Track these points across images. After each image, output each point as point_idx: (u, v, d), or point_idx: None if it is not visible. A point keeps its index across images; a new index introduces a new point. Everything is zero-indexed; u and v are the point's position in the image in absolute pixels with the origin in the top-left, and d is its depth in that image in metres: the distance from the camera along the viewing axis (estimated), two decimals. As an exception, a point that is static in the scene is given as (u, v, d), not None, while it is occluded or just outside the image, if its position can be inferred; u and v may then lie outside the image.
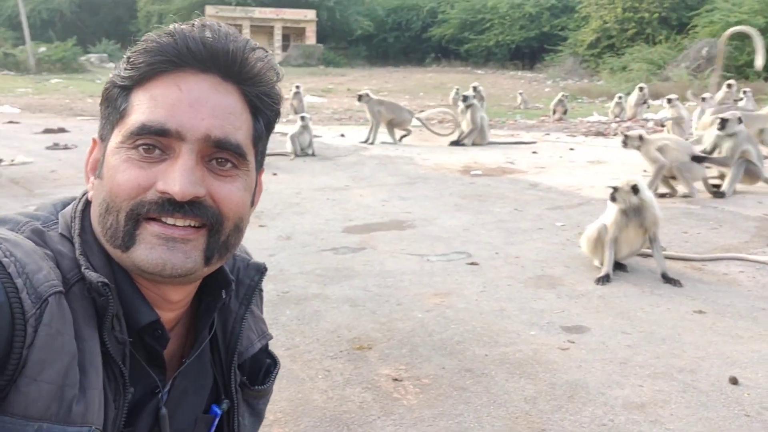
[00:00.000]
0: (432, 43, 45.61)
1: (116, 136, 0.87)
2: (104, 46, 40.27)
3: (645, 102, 14.97)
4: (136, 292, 0.90)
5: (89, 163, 0.95)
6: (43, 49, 34.25)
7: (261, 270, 1.11)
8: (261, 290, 1.22)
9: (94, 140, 0.95)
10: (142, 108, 0.85)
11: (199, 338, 1.00)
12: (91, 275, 0.84)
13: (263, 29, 46.50)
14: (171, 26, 0.88)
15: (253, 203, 0.98)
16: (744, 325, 3.45)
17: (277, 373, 1.17)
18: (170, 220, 0.84)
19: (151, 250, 0.84)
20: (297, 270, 4.33)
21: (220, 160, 0.87)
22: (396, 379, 2.91)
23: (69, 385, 0.78)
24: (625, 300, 3.84)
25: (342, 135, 12.33)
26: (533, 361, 3.08)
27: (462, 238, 5.17)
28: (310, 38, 46.56)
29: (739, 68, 28.76)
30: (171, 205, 0.83)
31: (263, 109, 0.93)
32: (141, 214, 0.84)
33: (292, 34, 47.34)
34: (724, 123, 6.55)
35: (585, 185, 7.28)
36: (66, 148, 9.73)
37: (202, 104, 0.85)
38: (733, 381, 2.83)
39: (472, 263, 4.51)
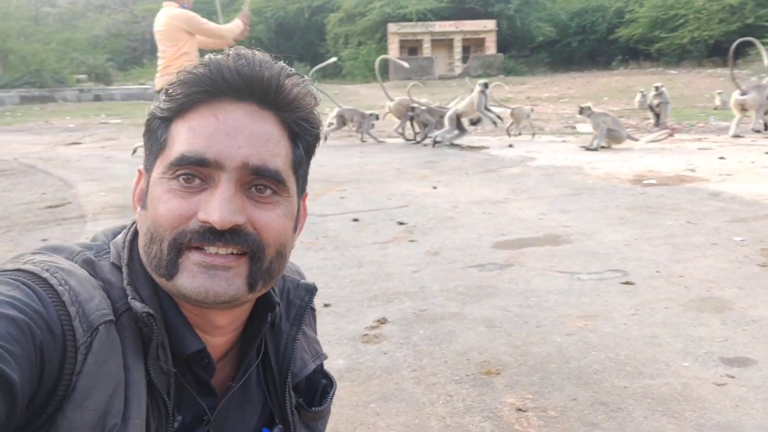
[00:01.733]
0: (619, 45, 43.45)
1: (158, 167, 0.90)
2: (296, 67, 43.16)
3: None
4: (183, 321, 0.92)
5: (135, 193, 0.97)
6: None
7: (311, 290, 1.11)
8: (313, 310, 1.22)
9: (139, 171, 0.97)
10: (182, 139, 0.87)
11: (245, 362, 1.01)
12: (137, 305, 0.86)
13: (443, 42, 47.22)
14: (206, 57, 0.91)
15: (296, 229, 0.98)
16: None
17: (334, 394, 1.16)
18: (212, 249, 0.86)
19: (193, 278, 0.86)
20: (438, 287, 4.27)
21: (259, 187, 0.89)
22: (520, 410, 2.73)
23: (112, 413, 0.80)
24: (806, 330, 3.32)
25: (510, 146, 12.06)
26: (681, 397, 2.74)
27: (621, 254, 4.78)
28: (490, 48, 46.40)
29: None
30: (212, 234, 0.85)
31: (302, 135, 0.94)
32: (183, 243, 0.86)
33: (471, 46, 47.52)
34: None
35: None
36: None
37: (239, 133, 0.87)
38: None
39: (626, 282, 4.16)
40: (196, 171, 0.86)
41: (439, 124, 12.58)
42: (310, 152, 0.98)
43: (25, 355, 0.72)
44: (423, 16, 45.84)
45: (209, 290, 0.86)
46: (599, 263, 4.61)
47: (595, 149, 10.81)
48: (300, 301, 1.09)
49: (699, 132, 12.89)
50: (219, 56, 0.90)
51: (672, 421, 2.56)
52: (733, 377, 2.88)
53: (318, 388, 1.14)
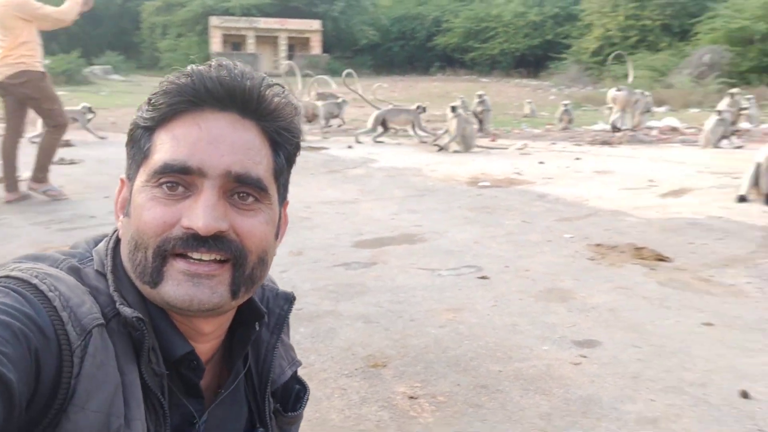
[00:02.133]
0: (437, 52, 45.84)
1: (141, 175, 0.91)
2: (108, 57, 40.57)
3: (649, 110, 15.02)
4: (170, 326, 0.93)
5: (118, 202, 0.99)
6: (47, 61, 34.55)
7: (290, 299, 1.15)
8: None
9: (121, 180, 0.99)
10: (165, 147, 0.89)
11: (234, 369, 1.05)
12: (126, 311, 0.87)
13: (268, 39, 46.81)
14: (189, 67, 0.93)
15: (278, 236, 1.01)
16: (753, 338, 3.50)
17: (307, 399, 1.20)
18: (195, 255, 0.88)
19: (177, 286, 0.88)
20: (309, 286, 4.39)
21: (241, 194, 0.91)
22: (412, 397, 2.96)
23: (115, 414, 0.82)
24: (634, 313, 3.89)
25: (349, 147, 12.41)
26: (547, 376, 3.13)
27: (472, 251, 5.22)
28: (315, 48, 46.83)
29: (741, 74, 28.81)
30: (195, 240, 0.87)
31: (283, 144, 0.97)
32: (167, 250, 0.88)
33: (297, 44, 47.63)
34: None
35: (592, 196, 7.33)
36: (72, 162, 9.81)
37: (222, 141, 0.89)
38: (744, 395, 2.88)
39: (482, 277, 4.57)
40: (179, 179, 0.88)
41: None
42: (290, 161, 1.01)
43: (18, 358, 0.72)
44: (247, 12, 45.20)
45: (193, 298, 0.88)
46: (454, 260, 5.00)
47: (443, 148, 11.42)
48: (279, 309, 1.12)
49: (516, 137, 14.11)
50: (201, 66, 0.92)
51: (543, 397, 2.93)
52: (585, 357, 3.33)
53: (292, 394, 1.18)
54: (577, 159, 10.37)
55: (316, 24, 46.20)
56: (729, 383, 3.00)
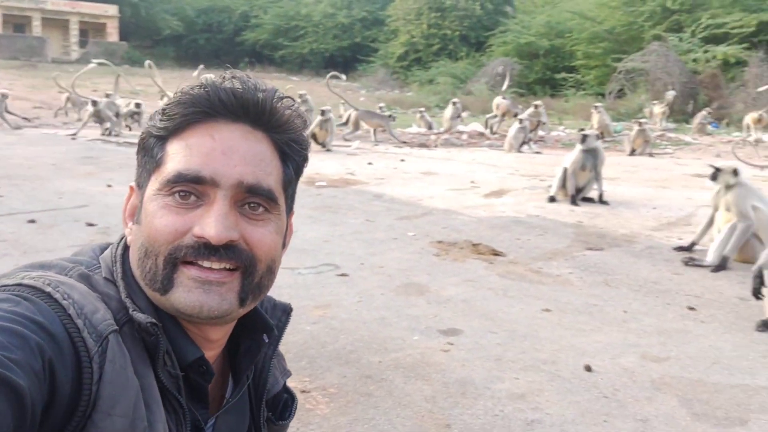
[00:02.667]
0: (246, 48, 45.07)
1: (153, 184, 0.92)
2: None
3: (459, 116, 16.20)
4: (181, 331, 0.94)
5: (127, 209, 0.99)
6: None
7: (288, 311, 1.15)
8: None
9: (131, 187, 0.99)
10: (178, 157, 0.90)
11: (241, 379, 1.06)
12: (140, 316, 0.88)
13: (56, 23, 43.01)
14: (203, 78, 0.95)
15: (284, 245, 1.02)
16: (584, 320, 4.07)
17: (296, 408, 1.23)
18: (206, 263, 0.88)
19: (188, 293, 0.89)
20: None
21: (252, 204, 0.92)
22: (304, 391, 3.09)
23: (139, 418, 0.83)
24: (484, 303, 4.33)
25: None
26: (423, 363, 3.41)
27: (326, 250, 5.41)
28: (112, 35, 43.89)
29: (529, 85, 31.91)
30: (207, 249, 0.88)
31: (292, 155, 0.98)
32: (178, 257, 0.88)
33: (90, 30, 44.24)
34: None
35: (424, 196, 7.87)
36: None
37: (234, 152, 0.90)
38: (588, 368, 3.37)
39: (342, 274, 4.78)
40: (191, 188, 0.89)
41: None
42: (299, 172, 1.01)
43: (29, 364, 0.72)
44: (33, -10, 41.16)
45: (203, 305, 0.89)
46: (310, 258, 5.15)
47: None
48: (277, 321, 1.12)
49: (338, 139, 14.48)
50: (216, 78, 0.93)
51: (425, 382, 3.20)
52: (452, 344, 3.66)
53: (280, 402, 1.19)
54: (402, 161, 10.97)
55: (112, 9, 43.27)
56: (574, 360, 3.49)
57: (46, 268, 0.91)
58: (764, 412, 2.96)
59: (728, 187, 5.24)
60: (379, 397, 3.05)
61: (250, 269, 0.91)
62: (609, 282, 4.81)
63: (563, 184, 7.60)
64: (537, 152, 13.08)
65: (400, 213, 6.92)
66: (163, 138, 0.92)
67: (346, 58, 41.98)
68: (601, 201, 7.65)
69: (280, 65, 43.18)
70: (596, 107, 15.30)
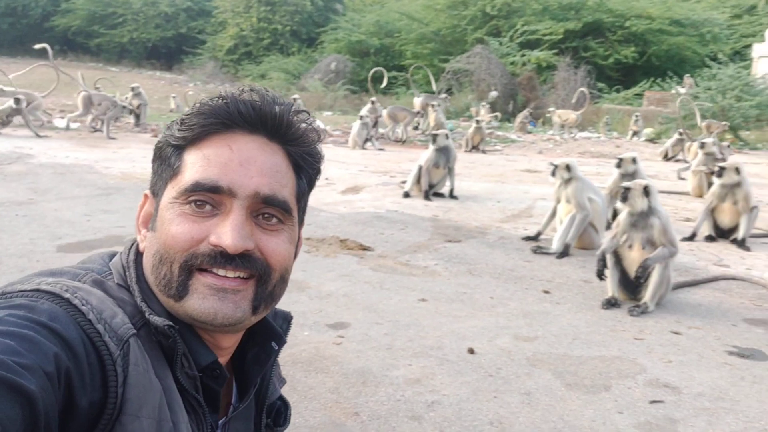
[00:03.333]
0: (56, 34, 41.52)
1: (170, 192, 0.94)
2: None
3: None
4: (195, 336, 0.95)
5: (141, 216, 1.01)
6: None
7: (288, 319, 1.17)
8: None
9: (145, 195, 1.02)
10: (196, 166, 0.92)
11: (249, 385, 1.08)
12: (157, 320, 0.89)
13: None
14: (221, 90, 0.99)
15: (295, 255, 1.05)
16: (457, 307, 4.39)
17: (290, 415, 1.28)
18: (221, 272, 0.90)
19: (203, 300, 0.91)
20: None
21: (266, 215, 0.94)
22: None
23: (164, 419, 0.85)
24: (364, 296, 4.51)
25: None
26: (319, 357, 3.52)
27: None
28: None
29: (361, 83, 32.59)
30: (223, 258, 0.90)
31: (306, 168, 1.01)
32: (194, 265, 0.90)
33: None
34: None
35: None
36: None
37: (252, 163, 0.92)
38: (471, 351, 3.67)
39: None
40: (208, 197, 0.91)
41: None
42: (311, 185, 1.04)
43: (41, 368, 0.72)
44: None
45: (218, 312, 0.91)
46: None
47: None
48: (278, 328, 1.13)
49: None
50: (234, 91, 0.96)
51: (325, 375, 3.32)
52: (343, 337, 3.80)
53: (274, 409, 1.22)
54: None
55: None
56: (456, 344, 3.77)
57: (57, 275, 0.92)
58: (622, 378, 3.42)
59: (566, 182, 5.85)
60: (284, 392, 3.10)
61: (264, 278, 0.94)
62: (472, 271, 5.20)
63: (418, 181, 7.99)
64: (380, 149, 13.50)
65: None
66: (180, 147, 0.95)
67: (170, 49, 40.20)
68: (452, 196, 8.16)
69: (96, 54, 40.38)
70: (433, 106, 16.06)
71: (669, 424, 2.97)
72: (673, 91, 23.03)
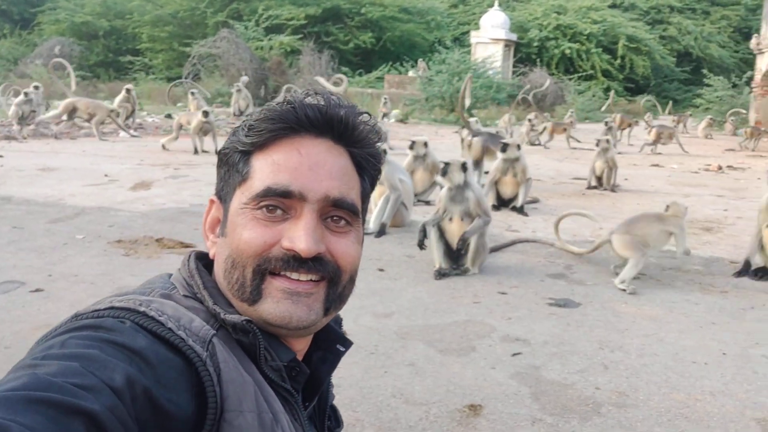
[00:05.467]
0: None
1: (239, 197, 0.94)
2: None
3: (40, 104, 14.58)
4: (270, 336, 0.94)
5: (207, 222, 1.02)
6: None
7: (338, 321, 1.16)
8: None
9: (211, 200, 1.02)
10: (266, 172, 0.93)
11: (318, 387, 1.07)
12: (234, 317, 0.90)
13: None
14: (287, 95, 1.00)
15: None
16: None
17: (341, 417, 1.25)
18: (294, 275, 0.91)
19: (277, 303, 0.91)
20: None
21: (335, 217, 0.95)
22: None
23: (264, 411, 0.85)
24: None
25: None
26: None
27: (-5, 265, 4.64)
28: None
29: (91, 68, 30.08)
30: (296, 261, 0.90)
31: (368, 169, 1.02)
32: (267, 269, 0.91)
33: None
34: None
35: (64, 194, 7.13)
36: None
37: (321, 167, 0.93)
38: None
39: (36, 290, 4.22)
40: (279, 202, 0.91)
41: None
42: (374, 185, 1.05)
43: (105, 385, 0.71)
44: None
45: (293, 315, 0.91)
46: (-19, 278, 4.39)
47: None
48: (340, 331, 1.13)
49: None
50: (299, 95, 0.97)
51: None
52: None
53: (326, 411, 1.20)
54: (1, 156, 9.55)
55: None
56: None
57: (125, 295, 0.91)
58: (480, 338, 3.83)
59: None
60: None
61: (335, 280, 0.95)
62: (305, 257, 5.29)
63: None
64: (135, 136, 12.76)
65: (49, 215, 6.20)
66: (248, 153, 0.95)
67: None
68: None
69: None
70: (193, 93, 15.49)
71: (534, 371, 3.43)
72: (411, 74, 25.02)
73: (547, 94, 26.19)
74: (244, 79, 22.01)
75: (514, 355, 3.60)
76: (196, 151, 11.51)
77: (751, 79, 23.27)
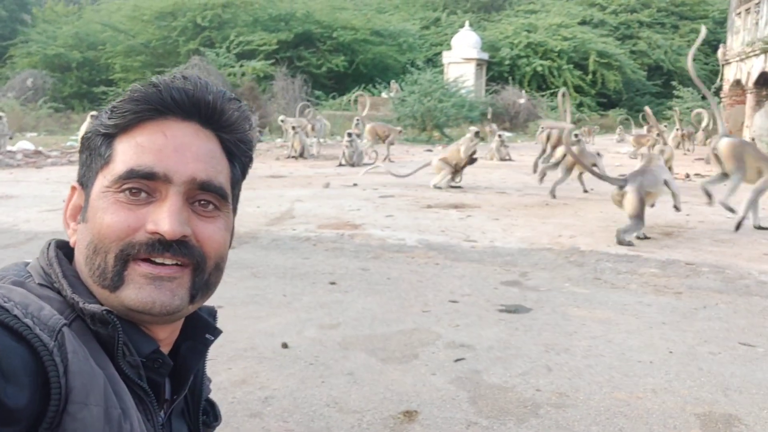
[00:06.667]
0: None
1: (101, 181, 0.91)
2: None
3: (6, 135, 14.47)
4: (132, 326, 0.91)
5: (69, 209, 0.98)
6: None
7: (213, 312, 1.14)
8: None
9: (73, 187, 0.98)
10: (129, 154, 0.90)
11: (186, 378, 1.05)
12: (93, 307, 0.86)
13: None
14: (153, 78, 0.96)
15: (229, 245, 1.03)
16: (255, 309, 4.40)
17: (219, 411, 1.23)
18: (159, 259, 0.89)
19: (139, 289, 0.88)
20: None
21: (202, 202, 0.93)
22: None
23: (112, 405, 0.82)
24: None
25: None
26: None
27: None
28: None
29: (65, 99, 29.96)
30: (161, 245, 0.88)
31: (239, 155, 1.00)
32: (131, 254, 0.88)
33: None
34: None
35: (19, 220, 7.02)
36: None
37: (187, 149, 0.92)
38: (285, 345, 3.72)
39: None
40: (143, 185, 0.89)
41: None
42: (245, 172, 1.04)
43: None
44: None
45: (156, 301, 0.89)
46: None
47: None
48: (210, 320, 1.11)
49: None
50: (166, 78, 0.95)
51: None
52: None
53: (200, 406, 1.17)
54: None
55: None
56: (269, 342, 3.79)
57: None
58: (424, 345, 3.77)
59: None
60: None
61: (201, 265, 0.93)
62: (256, 274, 5.22)
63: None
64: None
65: (1, 241, 6.10)
66: (111, 136, 0.92)
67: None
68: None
69: None
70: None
71: (475, 375, 3.37)
72: (384, 95, 25.16)
73: (521, 111, 26.49)
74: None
75: (457, 360, 3.55)
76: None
77: (719, 89, 23.65)
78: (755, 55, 20.29)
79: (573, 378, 3.35)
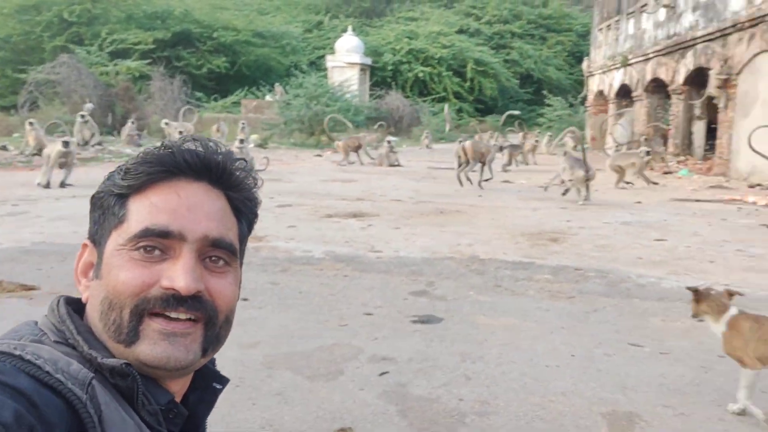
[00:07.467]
0: None
1: (116, 239, 0.95)
2: None
3: None
4: (147, 378, 0.94)
5: (80, 266, 1.01)
6: None
7: (213, 361, 1.15)
8: None
9: (84, 244, 1.02)
10: (143, 213, 0.94)
11: (198, 426, 1.08)
12: (111, 361, 0.89)
13: None
14: (165, 141, 1.02)
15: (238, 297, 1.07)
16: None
17: None
18: (174, 314, 0.92)
19: (154, 345, 0.92)
20: None
21: (213, 258, 0.97)
22: None
23: None
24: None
25: None
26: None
27: None
28: None
29: None
30: (175, 300, 0.92)
31: (245, 212, 1.05)
32: (146, 309, 0.91)
33: None
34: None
35: None
36: None
37: (199, 208, 0.96)
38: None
39: None
40: (157, 242, 0.93)
41: None
42: (251, 228, 1.08)
43: None
44: None
45: (170, 357, 0.92)
46: None
47: None
48: (216, 369, 1.13)
49: None
50: (177, 141, 1.01)
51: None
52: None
53: None
54: None
55: None
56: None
57: None
58: (347, 360, 3.86)
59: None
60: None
61: (213, 320, 0.97)
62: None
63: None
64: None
65: None
66: (123, 196, 0.96)
67: None
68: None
69: None
70: (31, 123, 14.44)
71: (401, 388, 3.50)
72: (269, 98, 24.86)
73: (404, 116, 27.08)
74: (89, 106, 20.84)
75: (382, 374, 3.66)
76: (48, 185, 10.62)
77: (584, 99, 25.37)
78: (616, 68, 21.99)
79: (491, 386, 3.56)
